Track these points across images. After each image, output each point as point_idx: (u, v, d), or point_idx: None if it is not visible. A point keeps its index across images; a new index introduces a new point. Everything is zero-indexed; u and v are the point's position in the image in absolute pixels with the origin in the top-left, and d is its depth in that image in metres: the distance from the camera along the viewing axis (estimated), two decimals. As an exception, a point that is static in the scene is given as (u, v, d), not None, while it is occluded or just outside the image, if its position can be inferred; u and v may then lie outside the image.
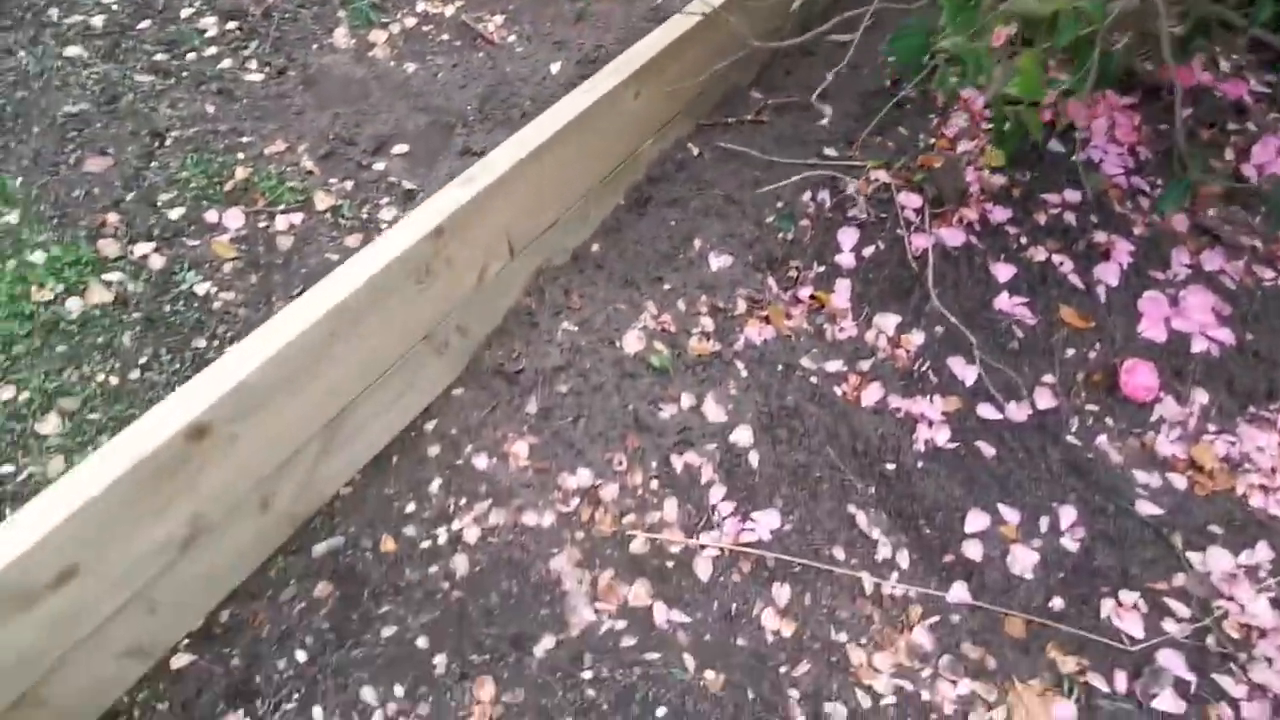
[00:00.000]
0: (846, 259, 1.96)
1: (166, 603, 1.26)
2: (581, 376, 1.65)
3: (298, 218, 2.04)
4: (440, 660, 1.36)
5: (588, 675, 1.35)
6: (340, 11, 2.63)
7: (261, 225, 2.03)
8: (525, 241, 1.68)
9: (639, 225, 2.03)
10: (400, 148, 2.23)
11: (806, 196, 2.03)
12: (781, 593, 1.48)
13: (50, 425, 1.59)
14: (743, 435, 1.65)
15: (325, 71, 2.43)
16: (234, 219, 2.02)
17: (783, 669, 1.39)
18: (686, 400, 1.70)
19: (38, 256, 1.87)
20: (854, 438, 1.68)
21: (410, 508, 1.54)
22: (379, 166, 2.19)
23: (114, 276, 1.87)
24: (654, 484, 1.60)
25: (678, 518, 1.56)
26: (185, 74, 2.39)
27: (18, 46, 2.42)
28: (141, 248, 1.93)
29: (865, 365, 1.80)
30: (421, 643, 1.37)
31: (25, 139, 2.16)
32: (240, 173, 2.11)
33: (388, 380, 1.49)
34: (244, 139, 2.21)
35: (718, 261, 1.94)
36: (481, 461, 1.61)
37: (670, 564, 1.50)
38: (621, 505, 1.57)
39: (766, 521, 1.55)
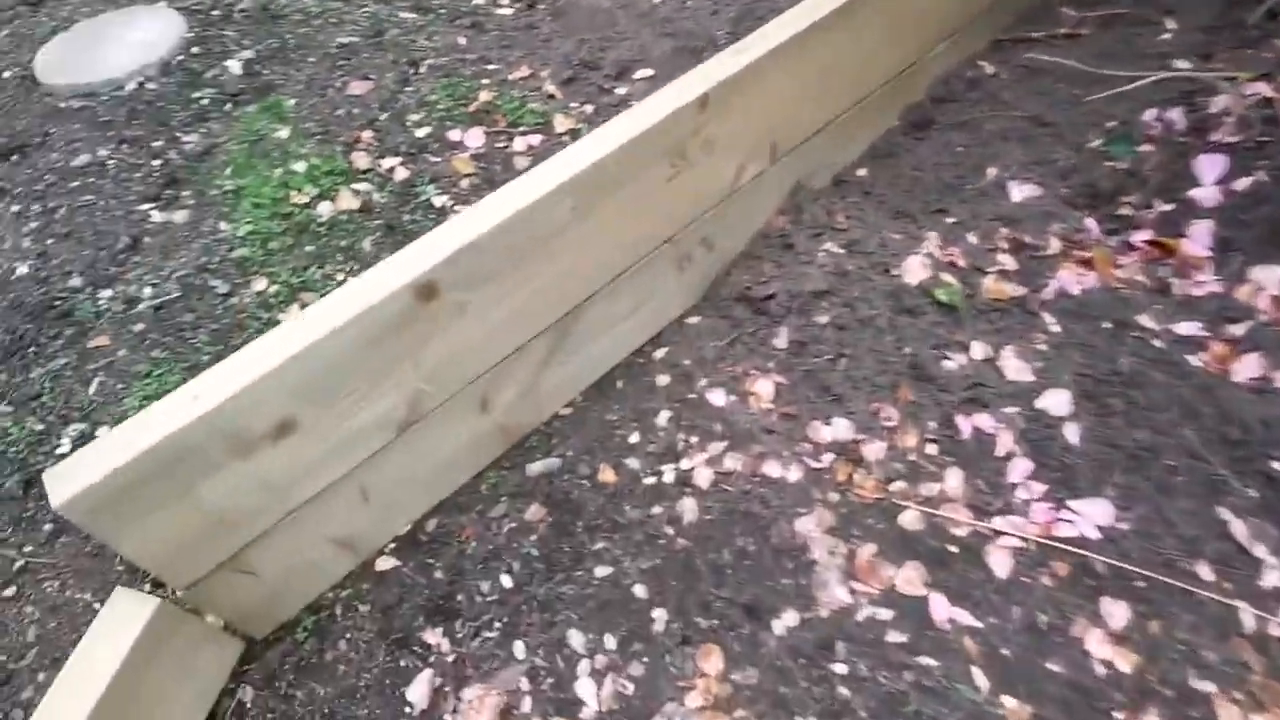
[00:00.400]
0: (1208, 194, 1.47)
1: (379, 495, 1.14)
2: (847, 307, 1.35)
3: (536, 139, 1.94)
4: (660, 616, 1.12)
5: (840, 669, 1.05)
6: (594, -52, 2.54)
7: (500, 145, 1.95)
8: (787, 146, 1.42)
9: (917, 150, 1.68)
10: (644, 72, 2.07)
11: (1150, 115, 1.56)
12: (1116, 611, 1.07)
13: (291, 317, 1.58)
14: (1056, 401, 1.26)
15: (573, 3, 2.34)
16: (475, 138, 1.96)
17: (1118, 715, 1.00)
18: (979, 350, 1.33)
19: (300, 166, 1.91)
20: (1223, 420, 1.22)
21: (634, 438, 1.33)
22: (621, 91, 2.04)
23: (362, 186, 1.87)
24: (931, 448, 1.26)
25: (963, 494, 1.21)
26: (443, 10, 2.41)
27: (305, -8, 2.58)
28: (389, 161, 1.92)
29: (1237, 330, 1.32)
30: (639, 591, 1.15)
31: (302, 66, 2.27)
32: (484, 95, 2.06)
33: (621, 287, 1.29)
34: (490, 66, 2.16)
35: (1021, 192, 1.55)
36: (718, 398, 1.36)
37: (953, 549, 1.15)
38: (888, 469, 1.24)
39: (1093, 514, 1.15)
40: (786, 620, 1.10)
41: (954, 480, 1.22)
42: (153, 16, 2.49)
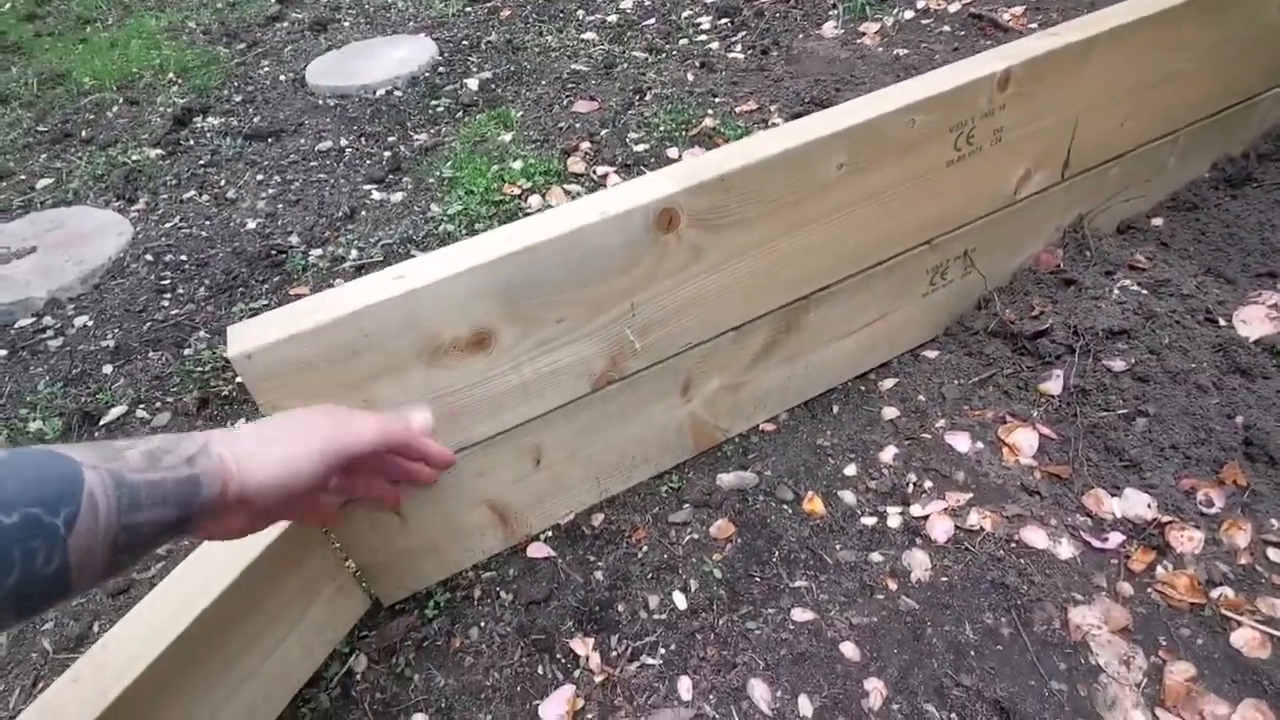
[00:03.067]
0: None
1: (551, 463, 0.97)
2: (1153, 354, 1.06)
3: (758, 165, 1.82)
4: (875, 689, 0.84)
5: (1146, 827, 0.71)
6: (833, 9, 2.51)
7: (720, 167, 1.85)
8: (1081, 164, 1.18)
9: (1230, 206, 1.38)
10: (883, 114, 1.92)
11: None
12: None
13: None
14: None
15: (809, 53, 2.27)
16: (693, 156, 1.87)
17: None
18: (1346, 437, 0.99)
19: (517, 164, 1.91)
20: None
21: (850, 470, 1.09)
22: (855, 129, 1.89)
23: (573, 187, 1.82)
24: (1275, 554, 0.91)
25: (1330, 620, 0.85)
26: (675, 52, 2.43)
27: (549, 33, 2.72)
28: (603, 169, 1.87)
29: None
30: (849, 650, 0.88)
31: (534, 88, 2.34)
32: (708, 122, 1.99)
33: (865, 286, 1.09)
34: (717, 99, 2.11)
35: (1389, 263, 1.20)
36: (960, 443, 1.09)
37: (1322, 694, 0.79)
38: (1210, 568, 0.91)
39: None
40: (1057, 738, 0.79)
41: (1314, 600, 0.87)
42: (412, 42, 2.71)
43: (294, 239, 1.80)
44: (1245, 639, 0.85)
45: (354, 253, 1.71)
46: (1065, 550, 0.95)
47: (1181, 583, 0.90)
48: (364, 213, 1.88)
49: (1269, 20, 1.26)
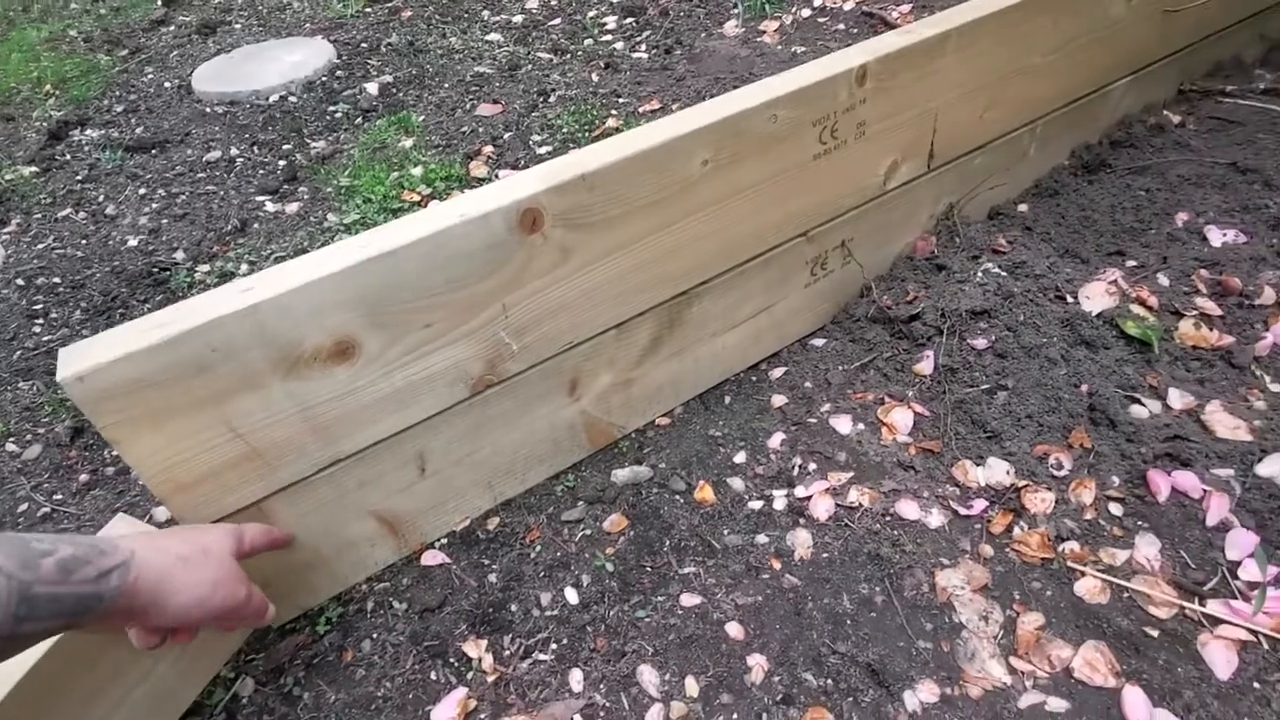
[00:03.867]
0: None
1: (438, 470, 0.97)
2: (1010, 332, 1.13)
3: (656, 163, 1.85)
4: (757, 664, 0.88)
5: (1001, 771, 0.77)
6: (734, 8, 2.56)
7: (619, 167, 1.87)
8: (946, 154, 1.25)
9: (1086, 191, 1.48)
10: (775, 110, 1.97)
11: (1386, 164, 1.32)
12: None
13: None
14: (1287, 469, 0.97)
15: (711, 52, 2.32)
16: (594, 157, 1.89)
17: None
18: (1179, 399, 1.08)
19: (417, 170, 1.89)
20: None
21: (740, 457, 1.12)
22: (749, 126, 1.94)
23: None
24: (1115, 508, 0.99)
25: (1161, 566, 0.93)
26: (580, 53, 2.44)
27: (452, 35, 2.69)
28: (505, 172, 1.87)
29: None
30: (733, 630, 0.91)
31: (437, 91, 2.31)
32: (611, 122, 2.01)
33: (745, 279, 1.12)
34: (620, 99, 2.13)
35: (1221, 237, 1.31)
36: (843, 425, 1.14)
37: (1152, 632, 0.87)
38: (1059, 525, 0.98)
39: (1355, 614, 0.85)
40: (923, 694, 0.84)
41: (1148, 549, 0.94)
42: (307, 46, 2.64)
43: (179, 255, 1.74)
44: (1088, 587, 0.92)
45: (244, 267, 1.66)
46: (935, 519, 1.01)
47: (1034, 540, 0.97)
48: (256, 225, 1.82)
49: (1115, 14, 1.35)
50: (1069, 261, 1.31)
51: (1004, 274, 1.20)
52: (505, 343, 0.91)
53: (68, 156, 2.22)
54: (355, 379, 0.82)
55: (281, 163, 2.07)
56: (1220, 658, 0.84)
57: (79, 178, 2.09)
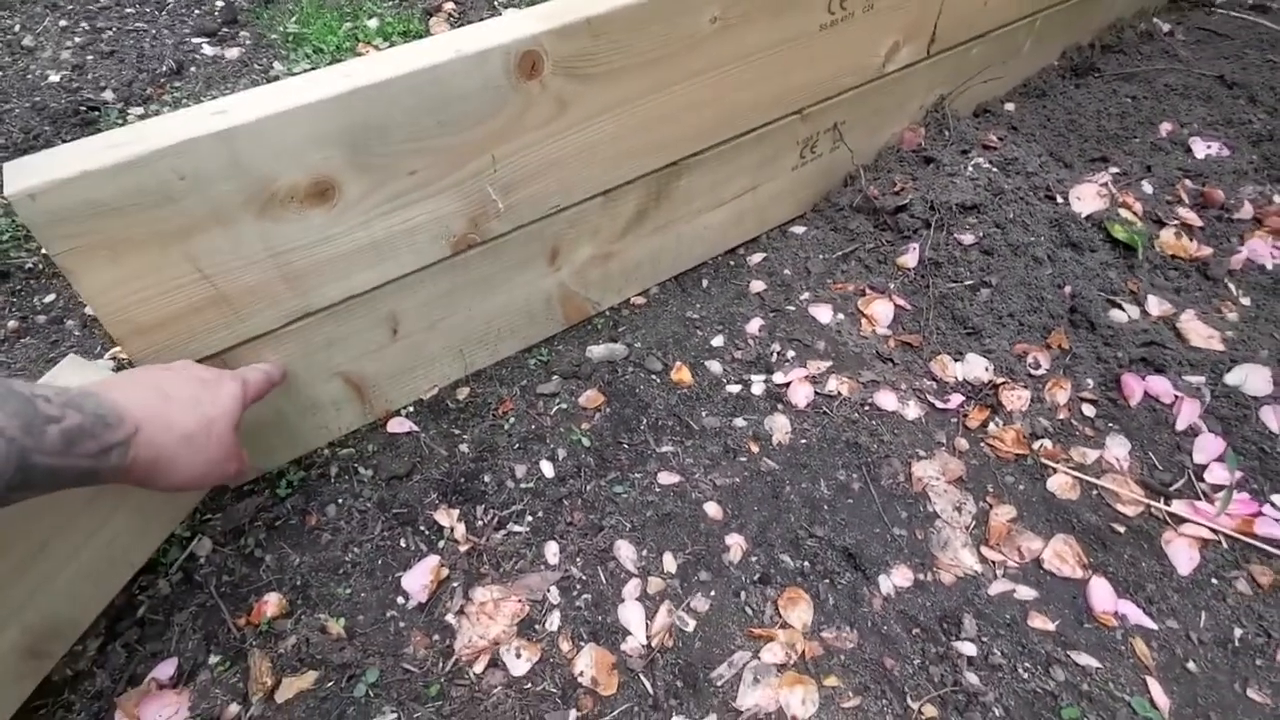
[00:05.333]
0: None
1: (410, 332, 0.92)
2: (998, 228, 1.11)
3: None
4: (735, 544, 0.88)
5: (968, 650, 0.80)
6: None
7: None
8: (946, 40, 1.19)
9: (1074, 95, 1.46)
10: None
11: (1372, 87, 1.32)
12: (1333, 635, 0.81)
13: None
14: (1252, 379, 1.01)
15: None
16: (571, 25, 1.76)
17: (1340, 764, 0.74)
18: (1156, 306, 1.09)
19: (373, 23, 1.73)
20: None
21: (718, 341, 1.10)
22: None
23: (439, 51, 1.67)
24: (1089, 409, 1.01)
25: (1130, 466, 0.96)
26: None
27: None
28: (472, 33, 1.72)
29: None
30: (712, 510, 0.91)
31: (393, -62, 2.09)
32: (587, -12, 1.85)
33: (738, 154, 1.07)
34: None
35: (1205, 149, 1.31)
36: (823, 314, 1.12)
37: (1119, 528, 0.90)
38: (1034, 423, 1.00)
39: (1301, 513, 0.90)
40: (897, 578, 0.86)
41: (1118, 449, 0.97)
42: (245, -126, 2.33)
43: (108, 95, 1.56)
44: (1059, 483, 0.94)
45: (182, 114, 1.50)
46: (912, 411, 1.01)
47: (1009, 436, 0.99)
48: (193, 69, 1.65)
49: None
50: (1056, 163, 1.29)
51: (995, 170, 1.18)
52: (492, 199, 0.84)
53: (-34, -24, 1.95)
54: (332, 225, 0.74)
55: (220, 3, 1.86)
56: (1183, 554, 0.88)
57: (-17, 1, 1.84)
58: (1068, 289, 1.08)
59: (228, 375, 0.71)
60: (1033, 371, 1.04)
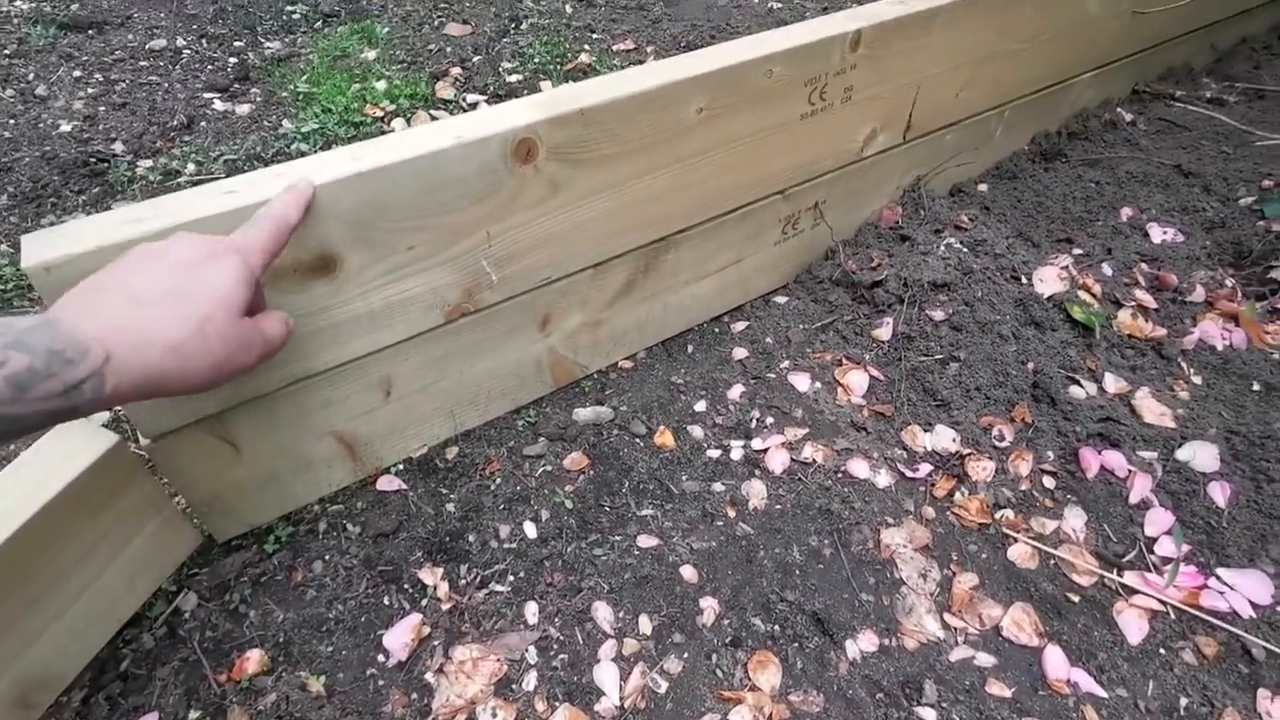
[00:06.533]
0: (1379, 272, 1.30)
1: (402, 394, 0.96)
2: (967, 306, 1.17)
3: (630, 106, 1.82)
4: (709, 607, 0.91)
5: (928, 715, 0.83)
6: (713, -45, 2.50)
7: (592, 106, 1.83)
8: (921, 127, 1.27)
9: (1043, 178, 1.54)
10: (754, 66, 1.96)
11: (1315, 182, 1.41)
12: (1276, 710, 0.85)
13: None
14: (1202, 456, 1.06)
15: (694, -2, 2.27)
16: (567, 93, 1.84)
17: (1283, 838, 0.77)
18: (1113, 383, 1.15)
19: (381, 85, 1.80)
20: None
21: (700, 406, 1.14)
22: (726, 78, 1.92)
23: (440, 113, 1.75)
24: (1049, 480, 1.06)
25: (1085, 537, 1.00)
26: (553, -18, 2.35)
27: (418, -55, 2.54)
28: (473, 97, 1.80)
29: None
30: (688, 573, 0.94)
31: (403, 3, 2.19)
32: (584, 58, 1.95)
33: (723, 231, 1.13)
34: (594, 35, 2.07)
35: (1161, 235, 1.39)
36: (801, 382, 1.17)
37: (1073, 598, 0.94)
38: (997, 494, 1.04)
39: (1247, 588, 0.94)
40: (863, 643, 0.89)
41: (1075, 520, 1.02)
42: (261, -63, 2.44)
43: (118, 147, 1.62)
44: (1020, 553, 0.99)
45: (191, 166, 1.56)
46: (883, 479, 1.06)
47: (974, 506, 1.03)
48: (204, 124, 1.71)
49: (1091, 10, 1.39)
50: (1023, 243, 1.36)
51: (965, 250, 1.24)
52: (486, 272, 0.89)
53: (-12, 26, 2.02)
54: (333, 296, 0.79)
55: (233, 60, 1.93)
56: (1133, 624, 0.92)
57: (6, 52, 1.91)
58: (1030, 365, 1.14)
59: (221, 248, 0.59)
60: (997, 443, 1.09)
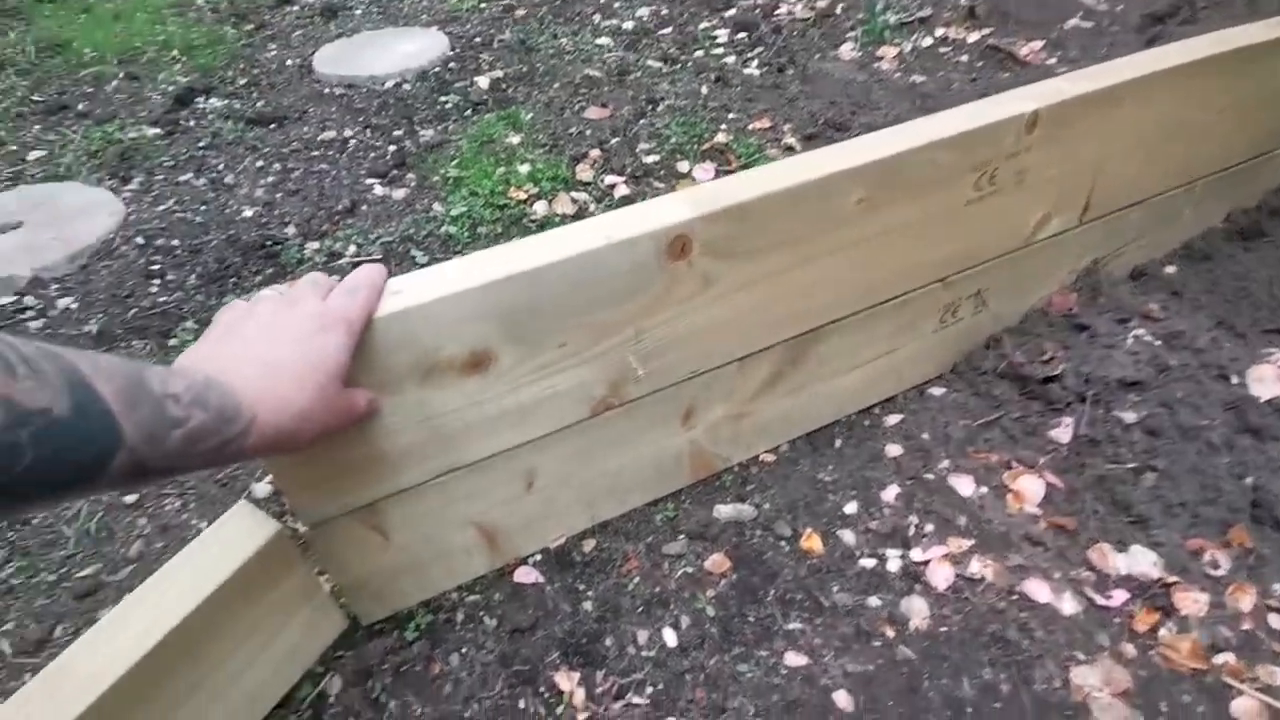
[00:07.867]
0: None
1: (544, 486, 0.94)
2: (1165, 408, 1.03)
3: (768, 184, 1.80)
4: (867, 743, 0.81)
5: None
6: (851, 31, 2.49)
7: (729, 184, 1.82)
8: (1100, 208, 1.16)
9: (1242, 259, 1.37)
10: (897, 140, 1.90)
11: None
12: None
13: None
14: None
15: (825, 74, 2.26)
16: (704, 171, 1.86)
17: None
18: (1357, 506, 0.97)
19: (524, 168, 1.88)
20: None
21: (850, 508, 1.06)
22: (868, 154, 1.87)
23: (580, 195, 1.79)
24: (1276, 620, 0.89)
25: (1335, 696, 0.83)
26: (689, 63, 2.41)
27: (563, 35, 2.69)
28: (611, 178, 1.84)
29: None
30: (841, 700, 0.85)
31: (546, 90, 2.31)
32: (721, 138, 1.96)
33: (876, 320, 1.06)
34: (730, 114, 2.08)
35: (1404, 327, 1.18)
36: (964, 486, 1.07)
37: (1324, 774, 0.77)
38: (1213, 633, 0.89)
39: None
40: (1055, 806, 0.76)
41: (1318, 673, 0.85)
42: (424, 35, 2.67)
43: (290, 230, 1.76)
44: (1245, 708, 0.83)
45: (352, 248, 1.67)
46: (1069, 606, 0.93)
47: (1185, 646, 0.88)
48: (364, 207, 1.84)
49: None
50: (1227, 335, 1.20)
51: (1158, 343, 1.11)
52: (632, 367, 0.87)
53: (191, 122, 2.29)
54: (485, 391, 0.79)
55: (392, 148, 2.09)
56: (1402, 812, 0.74)
57: (201, 144, 2.15)
58: (1249, 480, 0.98)
59: (331, 320, 0.63)
60: (1210, 572, 0.94)
